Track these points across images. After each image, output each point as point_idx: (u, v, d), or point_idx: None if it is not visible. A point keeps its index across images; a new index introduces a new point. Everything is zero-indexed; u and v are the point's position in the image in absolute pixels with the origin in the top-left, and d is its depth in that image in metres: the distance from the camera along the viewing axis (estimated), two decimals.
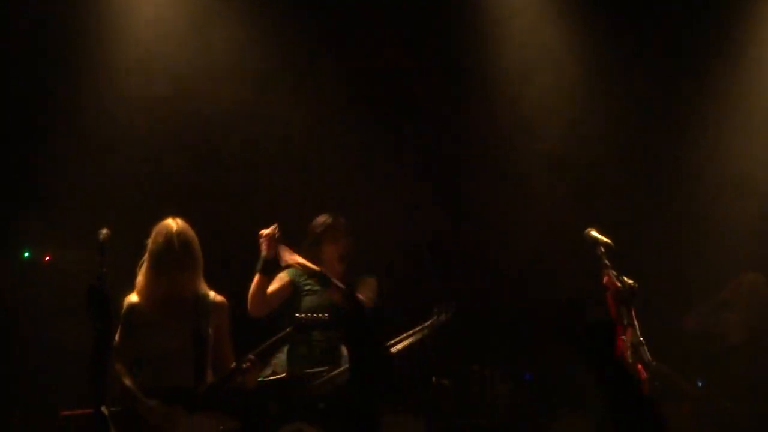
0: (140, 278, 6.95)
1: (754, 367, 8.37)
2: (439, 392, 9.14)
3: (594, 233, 6.77)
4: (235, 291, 7.37)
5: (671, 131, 10.12)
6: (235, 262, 9.30)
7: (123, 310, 6.87)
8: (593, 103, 10.11)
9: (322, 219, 8.23)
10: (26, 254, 9.55)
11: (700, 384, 9.13)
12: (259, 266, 7.76)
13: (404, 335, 7.85)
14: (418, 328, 7.98)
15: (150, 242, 6.94)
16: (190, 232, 6.94)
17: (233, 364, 6.88)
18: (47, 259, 9.49)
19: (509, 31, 10.16)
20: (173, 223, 6.94)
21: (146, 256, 6.94)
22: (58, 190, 9.17)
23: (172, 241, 6.85)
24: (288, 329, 7.00)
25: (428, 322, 8.03)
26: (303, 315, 7.11)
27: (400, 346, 7.79)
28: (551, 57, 10.15)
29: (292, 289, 7.98)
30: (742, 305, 9.00)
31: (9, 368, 9.04)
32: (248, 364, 6.80)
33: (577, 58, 10.14)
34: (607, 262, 6.65)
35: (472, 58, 10.25)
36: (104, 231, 6.49)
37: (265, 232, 7.75)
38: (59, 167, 9.24)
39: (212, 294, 7.00)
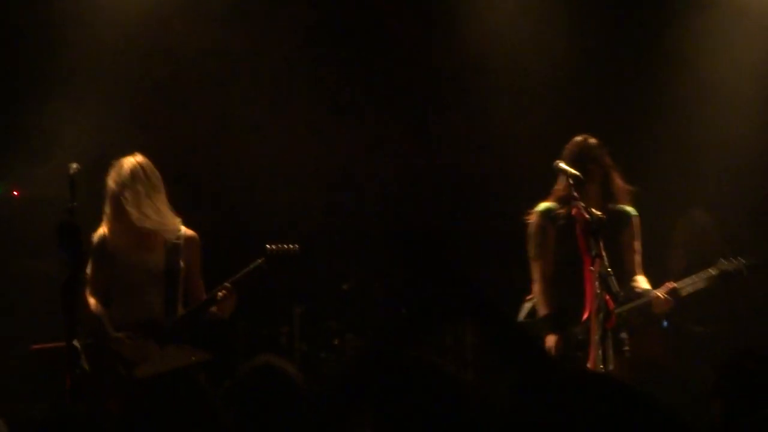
0: (106, 212, 6.95)
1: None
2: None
3: (562, 165, 6.79)
4: (206, 228, 7.36)
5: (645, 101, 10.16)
6: (205, 198, 9.34)
7: (93, 243, 6.87)
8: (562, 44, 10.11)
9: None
10: None
11: (665, 324, 9.24)
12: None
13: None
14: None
15: (110, 178, 6.93)
16: (146, 165, 6.93)
17: (205, 296, 6.92)
18: (16, 194, 9.46)
19: None
20: (134, 162, 6.93)
21: (107, 192, 6.94)
22: (28, 126, 9.12)
23: (117, 178, 6.85)
24: (259, 260, 7.01)
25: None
26: (274, 246, 7.11)
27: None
28: None
29: None
30: (686, 242, 9.11)
31: None
32: (223, 292, 6.83)
33: None
34: (575, 194, 6.67)
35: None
36: (74, 165, 6.47)
37: None
38: (30, 103, 9.19)
39: (183, 228, 7.01)
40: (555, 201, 7.12)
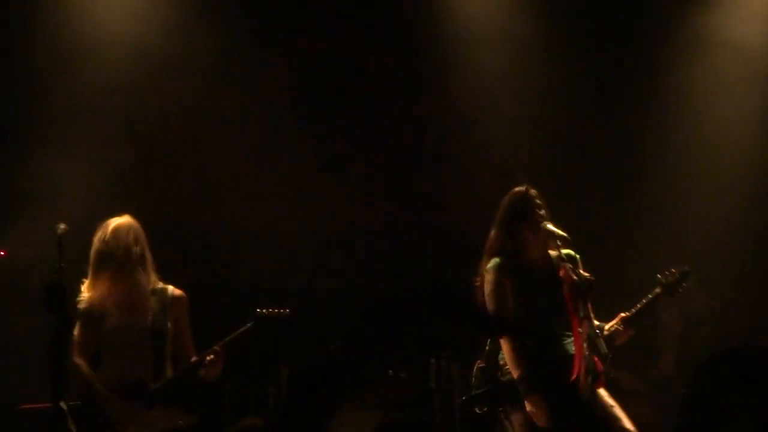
0: (90, 275, 6.90)
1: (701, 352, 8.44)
2: (395, 385, 9.18)
3: (550, 226, 6.78)
4: (192, 285, 7.33)
5: (627, 124, 10.22)
6: (193, 255, 9.32)
7: (81, 305, 6.83)
8: (549, 95, 10.17)
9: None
10: None
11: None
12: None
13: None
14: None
15: (96, 240, 6.89)
16: (128, 228, 6.90)
17: (194, 358, 6.89)
18: (2, 254, 9.43)
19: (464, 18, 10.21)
20: (121, 223, 6.91)
21: (92, 254, 6.89)
22: (13, 187, 9.11)
23: (105, 239, 6.83)
24: (248, 324, 6.99)
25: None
26: (264, 310, 7.09)
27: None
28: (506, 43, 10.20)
29: None
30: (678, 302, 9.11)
31: None
32: (212, 356, 6.79)
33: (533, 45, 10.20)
34: (562, 254, 6.67)
35: (427, 50, 10.30)
36: (62, 226, 6.47)
37: None
38: (14, 163, 9.18)
39: (170, 288, 6.98)
40: (499, 255, 7.00)
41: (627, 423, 6.53)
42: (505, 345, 6.71)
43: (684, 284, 7.27)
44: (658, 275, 7.28)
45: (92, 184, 9.02)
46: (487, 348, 7.05)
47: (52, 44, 9.33)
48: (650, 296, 7.19)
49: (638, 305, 7.13)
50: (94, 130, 9.33)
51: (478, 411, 7.25)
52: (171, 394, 6.82)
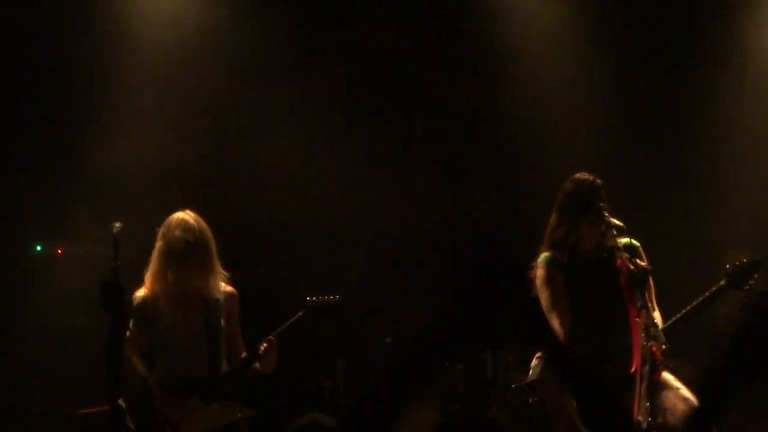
0: (153, 271, 6.90)
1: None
2: (452, 377, 9.16)
3: (606, 216, 6.70)
4: (241, 281, 7.33)
5: (679, 117, 10.14)
6: (243, 253, 9.33)
7: (135, 303, 6.83)
8: (596, 95, 10.11)
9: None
10: (39, 248, 9.57)
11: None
12: None
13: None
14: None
15: (163, 235, 6.89)
16: (206, 228, 6.92)
17: (244, 354, 6.88)
18: (60, 252, 9.51)
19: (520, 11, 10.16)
20: (189, 218, 6.89)
21: (160, 249, 6.89)
22: (69, 184, 9.17)
23: (190, 237, 6.82)
24: (299, 313, 6.98)
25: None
26: (314, 298, 7.07)
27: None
28: (555, 42, 10.14)
29: None
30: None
31: (25, 364, 9.05)
32: (265, 346, 6.78)
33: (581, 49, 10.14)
34: (619, 244, 6.60)
35: (481, 41, 10.26)
36: (117, 224, 6.45)
37: None
38: (69, 162, 9.25)
39: (222, 285, 6.98)
40: (552, 248, 6.92)
41: (695, 402, 6.49)
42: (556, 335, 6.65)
43: (755, 275, 6.92)
44: (727, 265, 7.01)
45: (146, 182, 9.06)
46: None
47: (106, 53, 9.40)
48: (714, 289, 6.98)
49: (700, 299, 7.02)
50: (146, 130, 9.37)
51: (529, 400, 7.22)
52: (227, 388, 6.83)
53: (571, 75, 10.16)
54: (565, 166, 8.33)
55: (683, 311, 7.00)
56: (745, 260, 6.99)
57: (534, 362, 7.05)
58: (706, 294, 7.00)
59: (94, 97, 9.37)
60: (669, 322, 6.85)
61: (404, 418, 3.09)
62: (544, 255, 6.85)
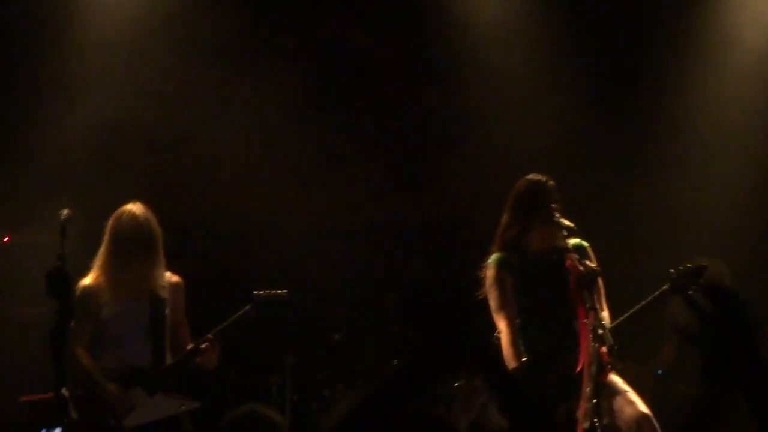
0: (100, 261, 6.87)
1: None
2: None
3: (557, 217, 6.71)
4: (191, 274, 7.29)
5: (634, 121, 10.18)
6: (193, 244, 9.29)
7: (78, 293, 6.78)
8: (556, 86, 10.13)
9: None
10: None
11: (659, 372, 9.23)
12: None
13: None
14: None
15: (111, 227, 6.87)
16: (154, 220, 6.90)
17: (190, 345, 6.85)
18: (6, 240, 9.42)
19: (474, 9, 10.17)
20: (138, 211, 6.88)
21: (107, 240, 6.87)
22: (18, 170, 9.09)
23: (138, 229, 6.81)
24: (247, 306, 6.95)
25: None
26: (261, 292, 7.05)
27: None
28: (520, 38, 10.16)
29: None
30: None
31: None
32: (206, 344, 6.76)
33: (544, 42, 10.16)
34: (569, 245, 6.61)
35: (434, 40, 10.26)
36: (65, 211, 6.38)
37: None
38: (18, 148, 9.17)
39: (168, 274, 6.97)
40: (502, 248, 6.92)
41: (642, 406, 6.52)
42: (503, 338, 6.69)
43: (699, 281, 6.88)
44: (671, 270, 7.02)
45: (97, 172, 8.99)
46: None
47: (60, 27, 9.32)
48: (657, 293, 7.01)
49: (643, 302, 7.06)
50: (98, 116, 9.30)
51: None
52: (171, 380, 6.80)
53: (527, 70, 10.15)
54: (520, 164, 8.39)
55: (626, 314, 7.04)
56: (689, 265, 6.99)
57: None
58: (649, 298, 7.04)
59: (45, 78, 9.27)
60: (612, 324, 6.87)
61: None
62: (494, 255, 6.85)
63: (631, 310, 7.06)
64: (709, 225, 9.73)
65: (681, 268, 7.00)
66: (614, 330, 6.73)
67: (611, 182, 10.10)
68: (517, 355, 6.62)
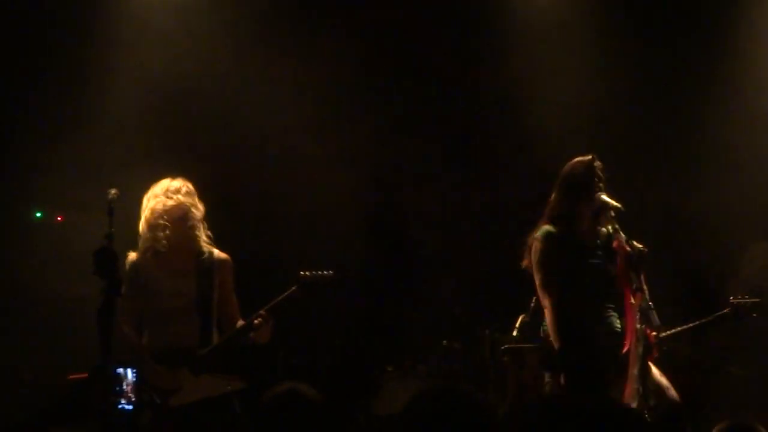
0: (143, 237, 6.88)
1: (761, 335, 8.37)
2: (449, 356, 9.14)
3: (604, 197, 6.67)
4: (241, 251, 7.31)
5: (682, 105, 10.07)
6: (242, 224, 9.31)
7: (126, 269, 6.81)
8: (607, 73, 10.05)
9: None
10: (38, 215, 9.57)
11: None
12: None
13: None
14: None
15: (150, 201, 6.87)
16: (188, 188, 6.89)
17: (240, 322, 6.85)
18: (59, 219, 9.51)
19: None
20: (176, 184, 6.87)
21: (147, 216, 6.86)
22: (70, 152, 9.15)
23: (168, 196, 6.80)
24: (293, 287, 6.94)
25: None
26: (307, 272, 7.03)
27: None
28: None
29: None
30: (750, 271, 9.09)
31: (21, 330, 9.06)
32: (259, 320, 6.75)
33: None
34: (617, 226, 6.57)
35: (486, 21, 10.21)
36: (113, 191, 6.40)
37: None
38: (70, 131, 9.23)
39: (216, 251, 6.93)
40: (551, 223, 6.88)
41: (673, 392, 6.50)
42: (548, 315, 6.65)
43: (753, 315, 7.82)
44: (731, 298, 7.82)
45: (145, 151, 9.03)
46: (532, 304, 7.08)
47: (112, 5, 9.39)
48: (717, 315, 7.81)
49: (703, 321, 7.76)
50: (147, 99, 9.34)
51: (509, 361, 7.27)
52: (218, 359, 6.80)
53: (575, 51, 10.09)
54: (566, 146, 8.32)
55: (684, 327, 7.78)
56: (748, 298, 7.82)
57: (519, 323, 7.12)
58: (709, 318, 7.81)
59: (93, 58, 9.33)
60: (670, 332, 7.12)
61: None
62: (544, 228, 6.81)
63: (688, 326, 7.78)
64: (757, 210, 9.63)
65: (742, 299, 7.84)
66: (671, 337, 7.12)
67: (655, 172, 10.01)
68: (562, 333, 6.58)
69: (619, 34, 10.02)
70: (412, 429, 3.51)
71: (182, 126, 9.54)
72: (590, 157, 6.85)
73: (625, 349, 6.33)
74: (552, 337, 6.62)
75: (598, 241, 6.72)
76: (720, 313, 7.79)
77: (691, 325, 7.72)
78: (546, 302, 6.69)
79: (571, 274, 6.70)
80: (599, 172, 6.77)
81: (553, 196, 6.94)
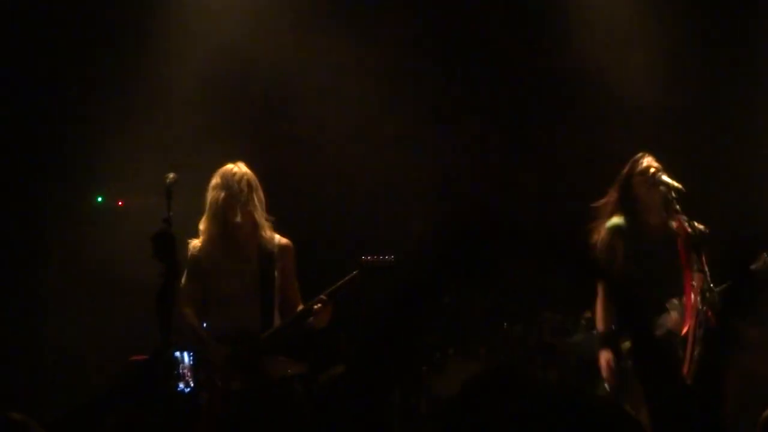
0: (206, 221, 6.92)
1: None
2: (510, 339, 9.11)
3: (665, 178, 6.63)
4: (302, 235, 7.32)
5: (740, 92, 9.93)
6: (304, 207, 9.32)
7: (189, 253, 6.85)
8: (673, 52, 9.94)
9: None
10: (99, 199, 9.64)
11: None
12: None
13: None
14: None
15: (213, 186, 6.89)
16: (249, 175, 6.90)
17: (300, 307, 6.87)
18: (120, 204, 9.57)
19: None
20: (232, 166, 6.90)
21: (210, 200, 6.89)
22: (131, 137, 9.21)
23: (229, 182, 6.81)
24: (354, 272, 6.94)
25: None
26: (368, 257, 7.03)
27: None
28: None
29: None
30: None
31: (84, 314, 9.15)
32: (319, 305, 6.76)
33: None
34: (677, 207, 6.53)
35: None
36: (171, 175, 6.47)
37: None
38: (131, 116, 9.29)
39: (277, 237, 6.95)
40: (621, 215, 6.89)
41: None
42: (599, 300, 6.71)
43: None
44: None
45: (206, 135, 9.07)
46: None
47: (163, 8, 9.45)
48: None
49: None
50: (209, 83, 9.38)
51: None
52: (279, 343, 6.82)
53: (645, 37, 9.98)
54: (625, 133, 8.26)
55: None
56: None
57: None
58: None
59: (154, 41, 9.38)
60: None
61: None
62: (613, 220, 6.83)
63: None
64: None
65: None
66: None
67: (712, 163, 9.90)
68: (605, 323, 6.67)
69: (680, 28, 9.88)
70: (469, 410, 3.50)
71: (242, 111, 9.56)
72: (642, 153, 6.86)
73: (684, 331, 6.30)
74: (597, 320, 6.74)
75: (667, 231, 6.68)
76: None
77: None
78: (600, 288, 6.74)
79: (635, 265, 6.71)
80: (654, 163, 6.76)
81: (609, 191, 6.93)
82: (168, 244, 6.01)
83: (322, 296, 6.80)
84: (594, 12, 10.01)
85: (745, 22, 9.92)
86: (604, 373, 6.71)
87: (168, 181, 6.43)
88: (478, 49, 10.14)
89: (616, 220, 6.83)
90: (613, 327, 6.73)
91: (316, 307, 6.77)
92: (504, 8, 10.14)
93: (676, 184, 6.58)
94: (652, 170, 6.66)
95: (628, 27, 9.99)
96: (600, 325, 6.84)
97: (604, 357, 6.76)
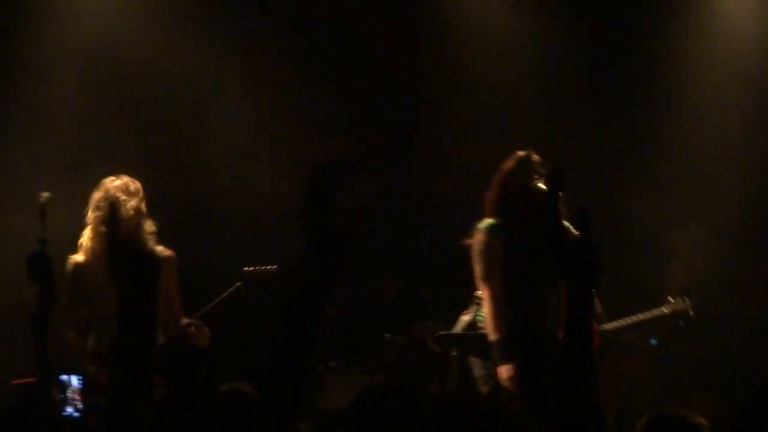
0: (87, 237, 6.83)
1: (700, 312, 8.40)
2: (395, 349, 9.12)
3: (540, 185, 6.69)
4: (185, 248, 7.25)
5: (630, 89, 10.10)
6: (186, 222, 9.25)
7: (68, 271, 6.75)
8: (549, 58, 10.06)
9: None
10: None
11: (653, 342, 9.20)
12: None
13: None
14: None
15: (96, 200, 6.84)
16: (131, 186, 6.81)
17: (185, 320, 6.80)
18: None
19: None
20: (113, 177, 6.83)
21: (92, 215, 6.84)
22: (4, 155, 9.04)
23: (110, 193, 6.72)
24: (238, 283, 6.91)
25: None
26: (251, 268, 7.01)
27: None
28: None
29: None
30: (684, 254, 9.13)
31: None
32: (192, 329, 6.71)
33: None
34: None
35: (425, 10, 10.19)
36: (45, 194, 6.35)
37: None
38: (5, 133, 9.12)
39: (159, 248, 6.88)
40: (496, 216, 6.92)
41: None
42: (486, 306, 6.69)
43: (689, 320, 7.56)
44: (669, 298, 7.56)
45: (82, 154, 8.94)
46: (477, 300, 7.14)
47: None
48: (656, 312, 7.50)
49: (642, 318, 7.47)
50: (85, 99, 9.24)
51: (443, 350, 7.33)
52: (164, 360, 6.74)
53: (521, 43, 10.09)
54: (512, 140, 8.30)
55: (625, 322, 7.45)
56: (688, 301, 7.59)
57: (462, 317, 7.11)
58: (648, 316, 7.54)
59: (34, 56, 9.22)
60: (615, 326, 7.24)
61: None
62: (487, 221, 6.84)
63: (628, 321, 7.45)
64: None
65: (680, 299, 7.58)
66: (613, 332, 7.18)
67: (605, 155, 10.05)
68: (499, 329, 6.64)
69: (560, 28, 10.00)
70: (360, 425, 3.55)
71: (122, 126, 9.43)
72: (526, 152, 6.89)
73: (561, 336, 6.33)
74: (488, 329, 6.66)
75: (539, 233, 6.72)
76: (657, 311, 7.55)
77: (631, 321, 7.44)
78: (484, 294, 6.73)
79: (513, 266, 6.73)
80: (537, 167, 6.80)
81: (492, 190, 6.95)
82: (43, 264, 5.90)
83: (194, 320, 6.76)
84: (473, 19, 10.09)
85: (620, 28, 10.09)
86: (510, 387, 6.65)
87: (42, 200, 6.31)
88: (357, 61, 10.17)
89: (492, 220, 6.88)
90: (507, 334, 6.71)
91: (192, 329, 6.72)
92: (380, 15, 10.17)
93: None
94: (536, 182, 6.70)
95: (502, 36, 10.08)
96: (493, 334, 6.72)
97: (507, 372, 6.69)
